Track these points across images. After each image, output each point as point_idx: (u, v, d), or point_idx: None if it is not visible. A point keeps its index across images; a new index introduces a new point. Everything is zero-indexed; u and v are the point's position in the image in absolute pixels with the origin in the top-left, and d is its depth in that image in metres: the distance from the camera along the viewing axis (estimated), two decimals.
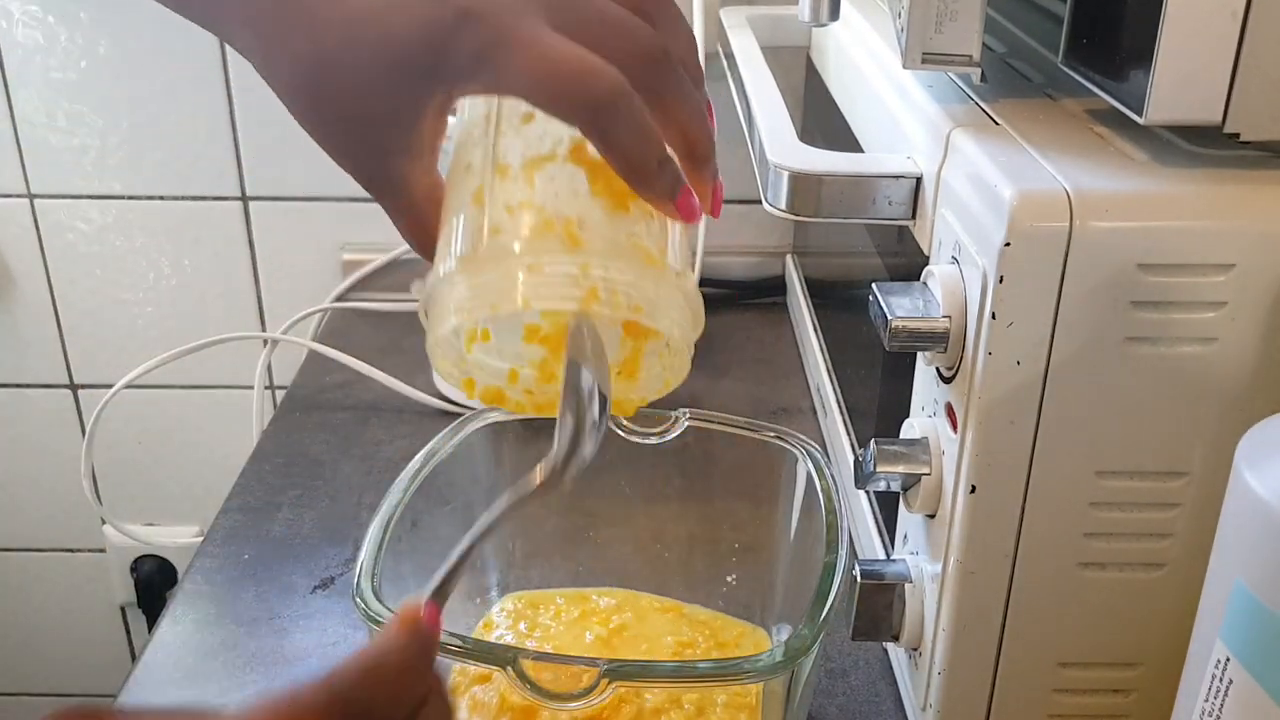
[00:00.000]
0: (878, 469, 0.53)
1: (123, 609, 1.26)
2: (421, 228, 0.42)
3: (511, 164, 0.41)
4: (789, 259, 1.04)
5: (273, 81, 0.42)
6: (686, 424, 0.60)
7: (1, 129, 1.05)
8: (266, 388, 1.13)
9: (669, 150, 0.40)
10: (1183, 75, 0.44)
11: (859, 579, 0.55)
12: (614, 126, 0.38)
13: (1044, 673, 0.52)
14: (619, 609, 0.64)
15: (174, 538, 1.20)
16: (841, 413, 0.78)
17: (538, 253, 0.39)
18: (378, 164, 0.42)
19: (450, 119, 0.42)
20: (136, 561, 1.21)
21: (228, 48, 0.99)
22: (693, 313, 0.41)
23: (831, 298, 0.87)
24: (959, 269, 0.48)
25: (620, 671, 0.47)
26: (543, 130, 0.42)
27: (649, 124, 0.39)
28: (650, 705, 0.54)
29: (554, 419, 0.41)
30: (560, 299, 0.38)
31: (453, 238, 0.41)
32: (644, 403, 0.45)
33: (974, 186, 0.48)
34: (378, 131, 0.41)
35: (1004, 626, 0.51)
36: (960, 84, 0.57)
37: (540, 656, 0.53)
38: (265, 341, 1.03)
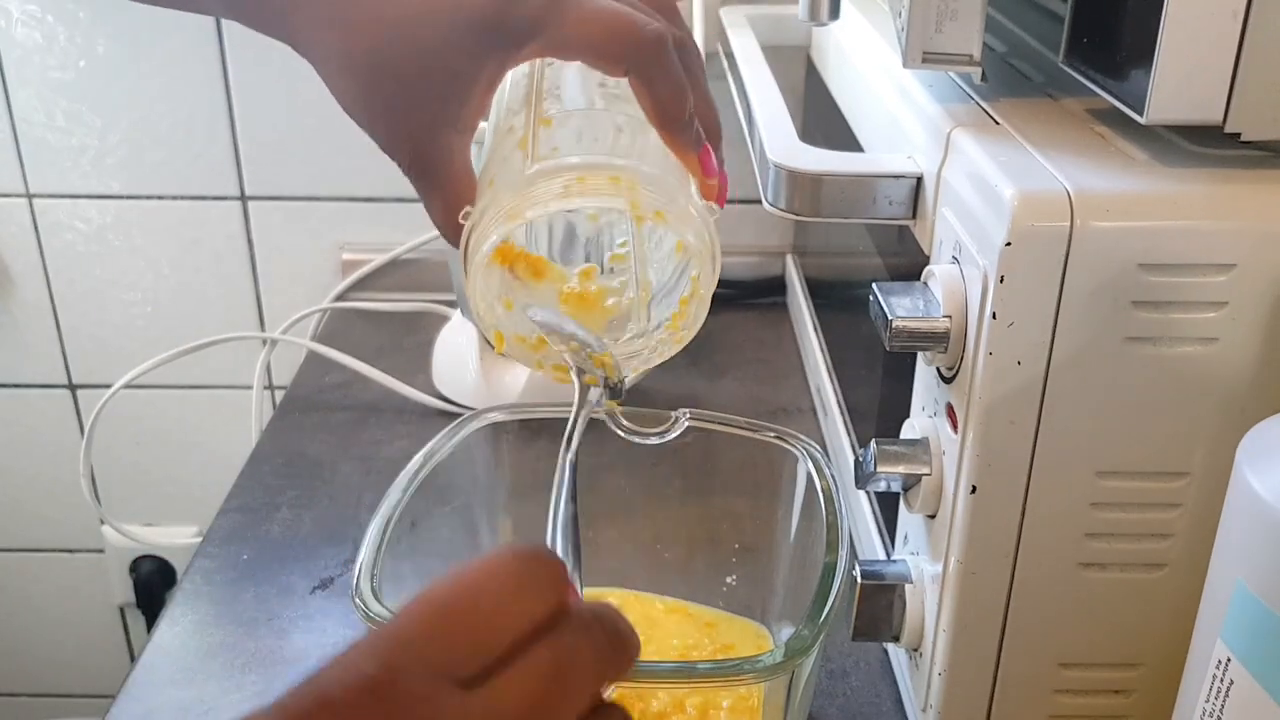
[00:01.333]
0: (878, 469, 0.52)
1: (121, 609, 1.26)
2: (456, 208, 0.44)
3: (554, 117, 0.45)
4: (789, 259, 1.04)
5: (335, 62, 0.44)
6: (686, 424, 0.60)
7: (0, 128, 1.05)
8: (266, 388, 1.12)
9: None
10: (1183, 75, 0.44)
11: (859, 579, 0.55)
12: (657, 69, 0.43)
13: (1044, 673, 0.52)
14: (621, 610, 0.64)
15: (173, 538, 1.20)
16: (841, 413, 0.78)
17: (582, 166, 0.42)
18: (426, 138, 0.44)
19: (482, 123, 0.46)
20: (135, 562, 1.21)
21: (226, 47, 1.01)
22: (709, 237, 0.44)
23: (831, 298, 0.87)
24: (959, 269, 0.48)
25: None
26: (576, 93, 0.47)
27: (683, 76, 0.44)
28: (655, 710, 0.54)
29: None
30: (599, 194, 0.41)
31: (496, 178, 0.44)
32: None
33: (975, 186, 0.47)
34: (434, 101, 0.44)
35: (1004, 627, 0.51)
36: (961, 83, 0.57)
37: None
38: (264, 341, 1.03)
